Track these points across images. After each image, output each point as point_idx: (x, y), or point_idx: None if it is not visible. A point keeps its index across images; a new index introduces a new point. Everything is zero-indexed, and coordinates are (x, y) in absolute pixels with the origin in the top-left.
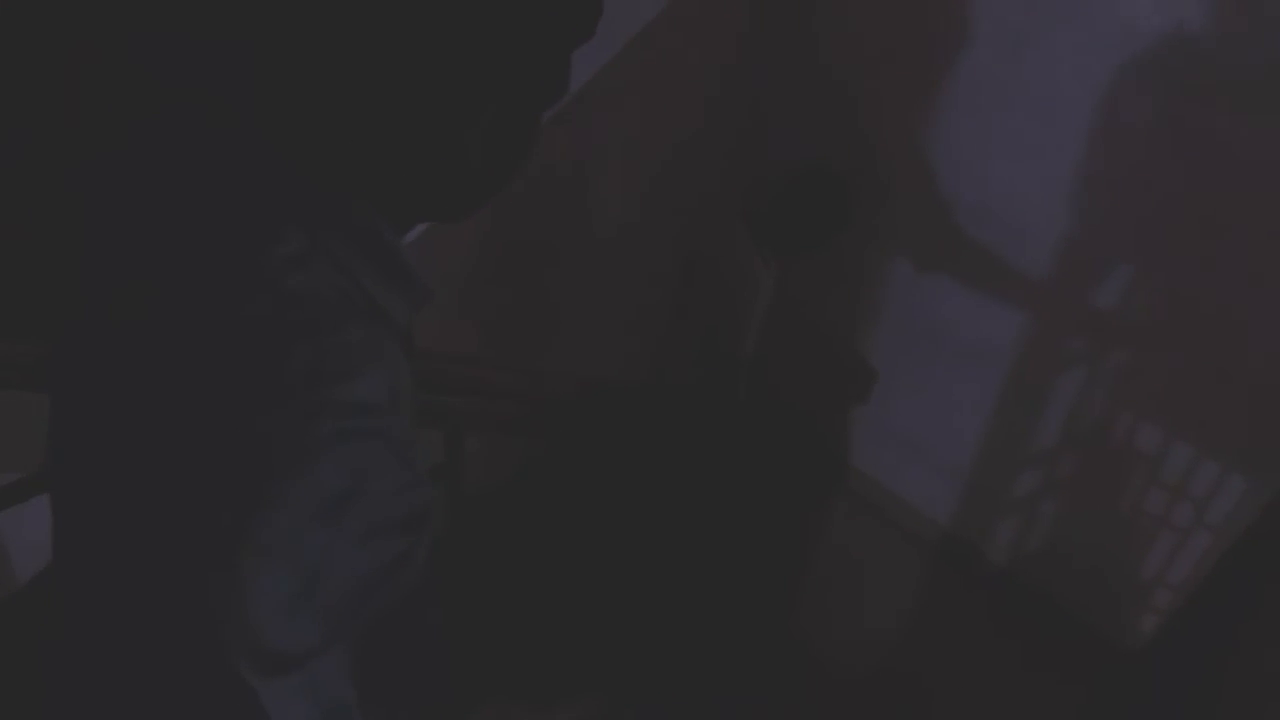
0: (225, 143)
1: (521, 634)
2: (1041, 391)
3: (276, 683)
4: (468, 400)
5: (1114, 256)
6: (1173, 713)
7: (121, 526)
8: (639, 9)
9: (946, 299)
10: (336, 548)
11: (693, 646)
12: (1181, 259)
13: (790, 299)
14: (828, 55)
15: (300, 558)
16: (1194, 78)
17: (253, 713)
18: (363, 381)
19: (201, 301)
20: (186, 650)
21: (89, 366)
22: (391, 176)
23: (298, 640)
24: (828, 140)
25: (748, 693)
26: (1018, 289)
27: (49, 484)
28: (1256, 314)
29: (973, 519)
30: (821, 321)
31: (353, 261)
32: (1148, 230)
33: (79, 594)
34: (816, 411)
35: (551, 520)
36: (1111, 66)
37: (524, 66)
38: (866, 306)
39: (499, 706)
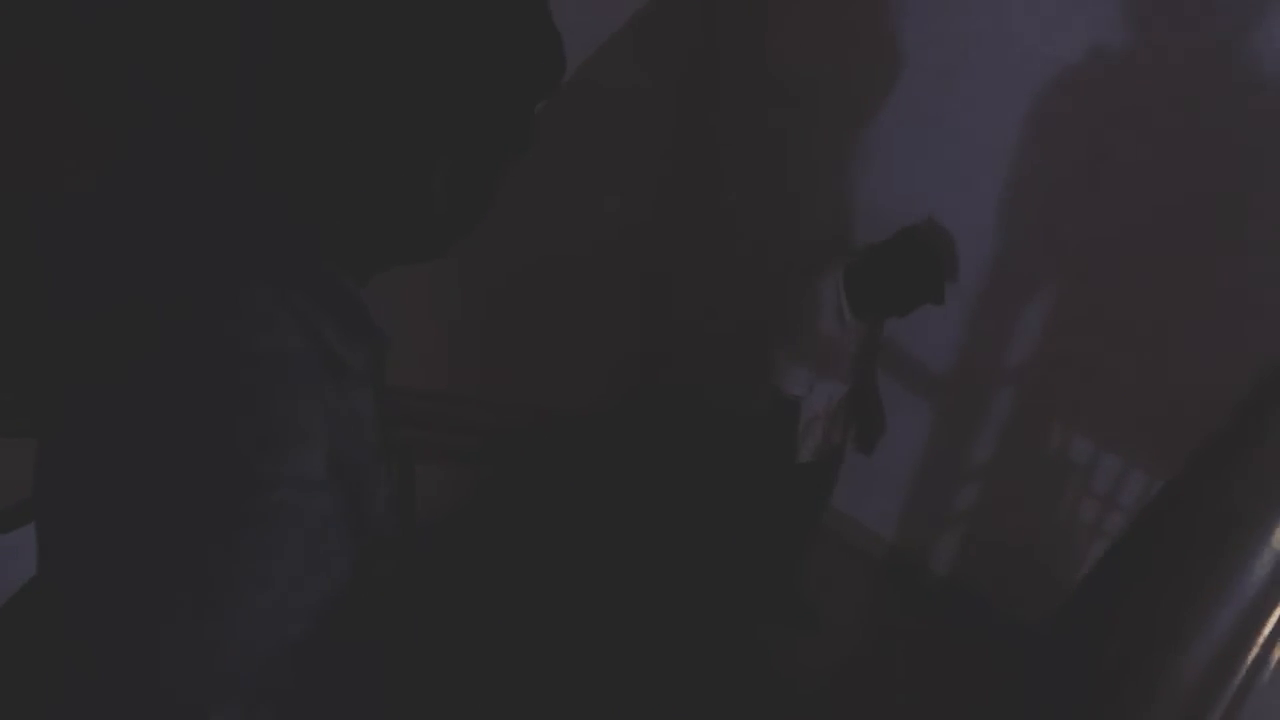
0: (202, 188)
1: (483, 659)
2: (977, 408)
3: None
4: (421, 433)
5: (1040, 275)
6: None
7: (83, 549)
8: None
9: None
10: (238, 619)
11: (657, 666)
12: (1104, 276)
13: (727, 316)
14: (772, 69)
15: (201, 621)
16: (1110, 106)
17: None
18: (299, 456)
19: (166, 352)
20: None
21: (64, 399)
22: (358, 221)
23: (195, 692)
24: (768, 169)
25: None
26: (952, 309)
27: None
28: (1179, 329)
29: (915, 532)
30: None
31: (316, 316)
32: (1071, 249)
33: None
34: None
35: (508, 545)
36: (1033, 95)
37: (486, 118)
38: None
39: None
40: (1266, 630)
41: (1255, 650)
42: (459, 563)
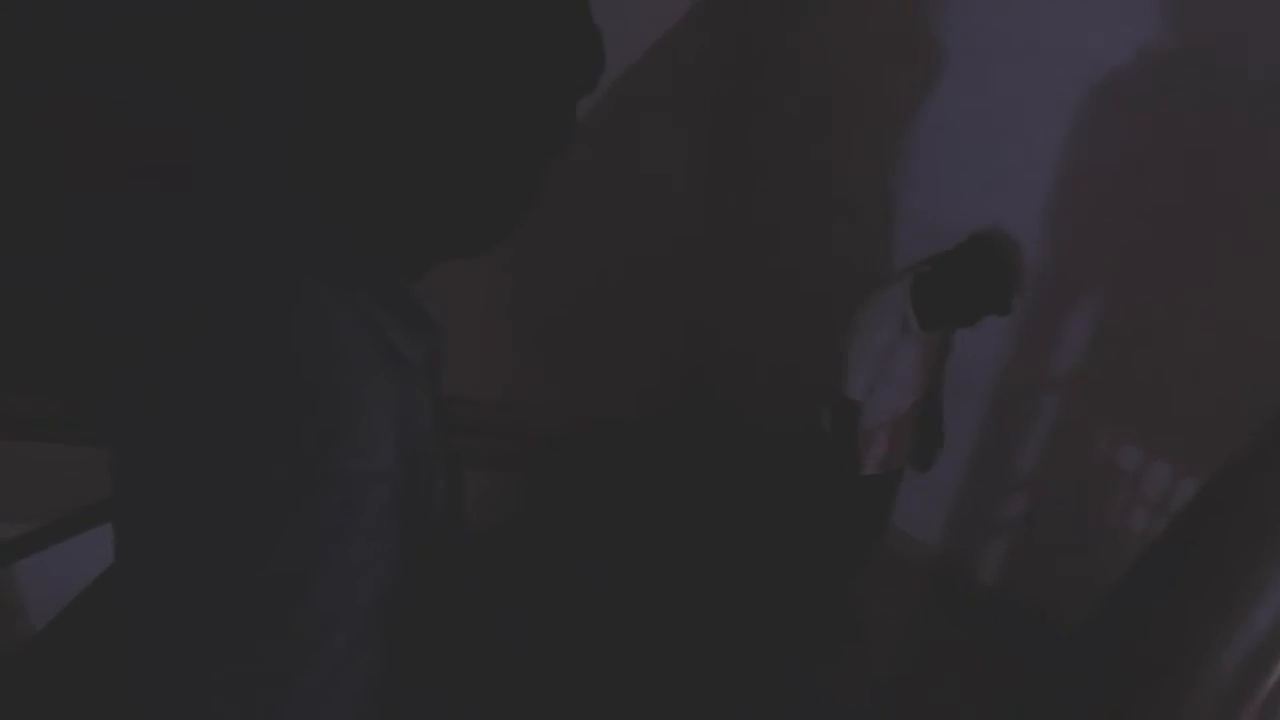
0: (261, 194)
1: (533, 675)
2: (1024, 413)
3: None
4: (467, 440)
5: (1084, 280)
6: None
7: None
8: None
9: None
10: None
11: (704, 673)
12: (1148, 280)
13: (780, 326)
14: (808, 80)
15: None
16: (1150, 105)
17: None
18: (371, 449)
19: (227, 351)
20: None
21: (136, 404)
22: (407, 218)
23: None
24: (809, 161)
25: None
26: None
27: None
28: (1226, 333)
29: (962, 540)
30: (804, 351)
31: (375, 311)
32: (1115, 253)
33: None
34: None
35: (557, 557)
36: (1070, 95)
37: (529, 114)
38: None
39: None
40: None
41: None
42: (508, 571)
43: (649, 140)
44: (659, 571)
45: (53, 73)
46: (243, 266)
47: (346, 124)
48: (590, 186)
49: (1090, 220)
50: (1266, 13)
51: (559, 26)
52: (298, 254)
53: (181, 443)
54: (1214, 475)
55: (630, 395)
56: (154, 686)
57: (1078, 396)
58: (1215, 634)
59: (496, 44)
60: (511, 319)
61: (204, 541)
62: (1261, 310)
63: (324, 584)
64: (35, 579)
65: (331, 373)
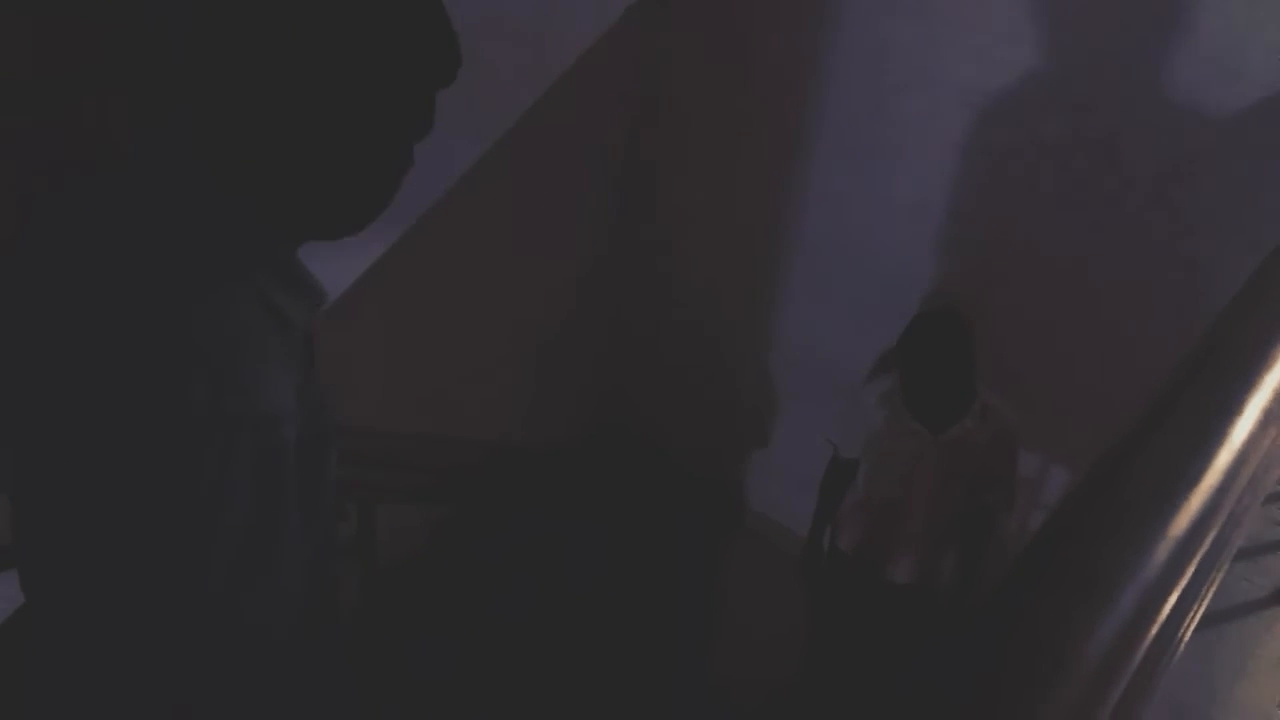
0: (158, 167)
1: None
2: None
3: None
4: (379, 473)
5: (975, 296)
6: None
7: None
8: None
9: (835, 342)
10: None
11: (610, 694)
12: (1029, 294)
13: (687, 351)
14: (720, 90)
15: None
16: (1016, 136)
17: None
18: (265, 396)
19: (124, 316)
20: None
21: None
22: (287, 195)
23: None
24: (716, 181)
25: None
26: (891, 328)
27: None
28: (1105, 345)
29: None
30: (716, 368)
31: (259, 275)
32: (999, 269)
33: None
34: (718, 459)
35: (469, 585)
36: (952, 126)
37: (389, 106)
38: (762, 352)
39: None
40: (1166, 611)
41: (1156, 629)
42: (420, 604)
43: (557, 164)
44: (566, 603)
45: None
46: (138, 240)
47: (227, 114)
48: (500, 216)
49: (973, 244)
50: (1128, 34)
51: (422, 32)
52: (191, 227)
53: (80, 405)
54: (1084, 472)
55: (544, 426)
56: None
57: None
58: (1083, 616)
59: (360, 46)
60: (423, 349)
61: (110, 486)
62: (1138, 313)
63: (231, 521)
64: None
65: (222, 330)
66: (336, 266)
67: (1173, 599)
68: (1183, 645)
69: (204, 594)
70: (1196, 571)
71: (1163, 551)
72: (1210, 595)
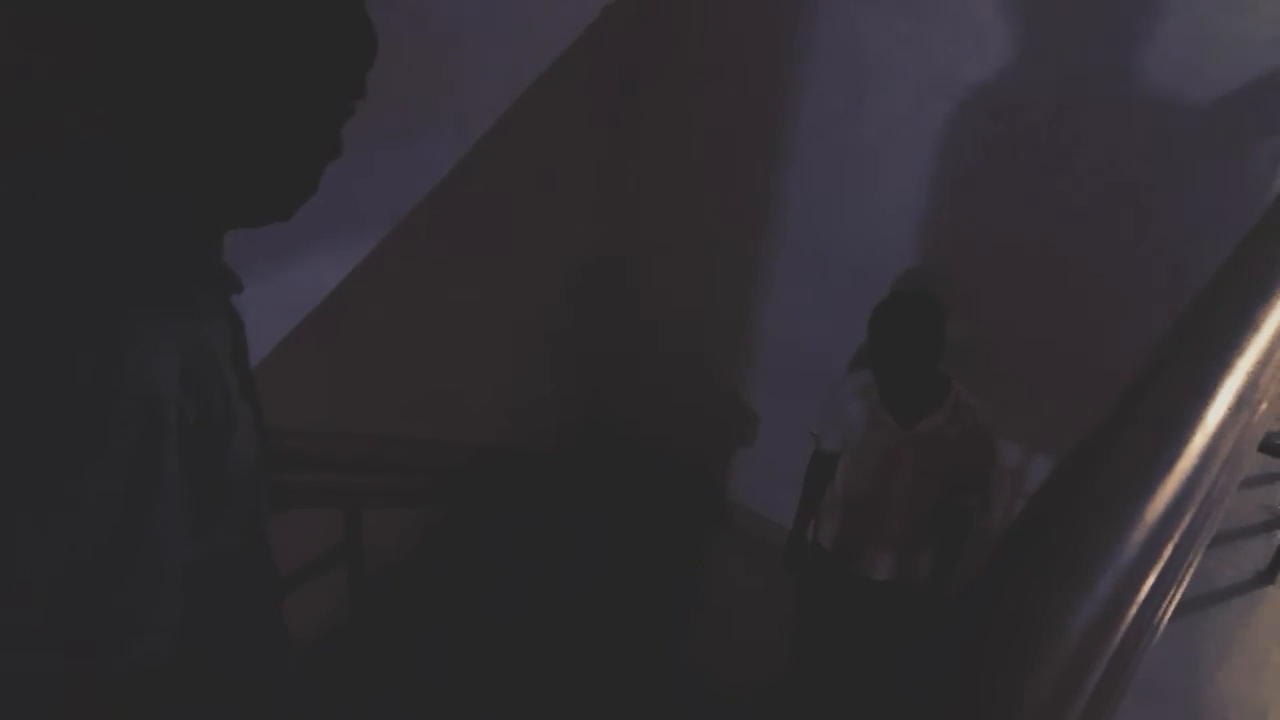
0: (78, 150)
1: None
2: None
3: None
4: (365, 478)
5: (953, 290)
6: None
7: None
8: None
9: (815, 336)
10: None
11: (595, 693)
12: (1003, 288)
13: (668, 349)
14: (697, 89)
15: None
16: (994, 131)
17: None
18: (154, 371)
19: (25, 289)
20: None
21: None
22: (204, 186)
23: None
24: (694, 179)
25: None
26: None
27: None
28: (1082, 336)
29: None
30: (699, 365)
31: (164, 252)
32: (976, 263)
33: None
34: (700, 455)
35: (457, 589)
36: (930, 122)
37: (312, 100)
38: (743, 348)
39: None
40: (1143, 595)
41: (1134, 613)
42: (409, 609)
43: (538, 165)
44: (556, 603)
45: None
46: (39, 220)
47: (160, 107)
48: (484, 218)
49: (946, 238)
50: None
51: (340, 26)
52: (95, 210)
53: None
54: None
55: (531, 427)
56: None
57: None
58: (1061, 602)
59: (285, 41)
60: (406, 352)
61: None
62: (1113, 305)
63: (102, 490)
64: None
65: (113, 308)
66: (319, 269)
67: (1149, 583)
68: (1161, 629)
69: (65, 564)
70: (1172, 556)
71: (1139, 536)
72: (1187, 580)
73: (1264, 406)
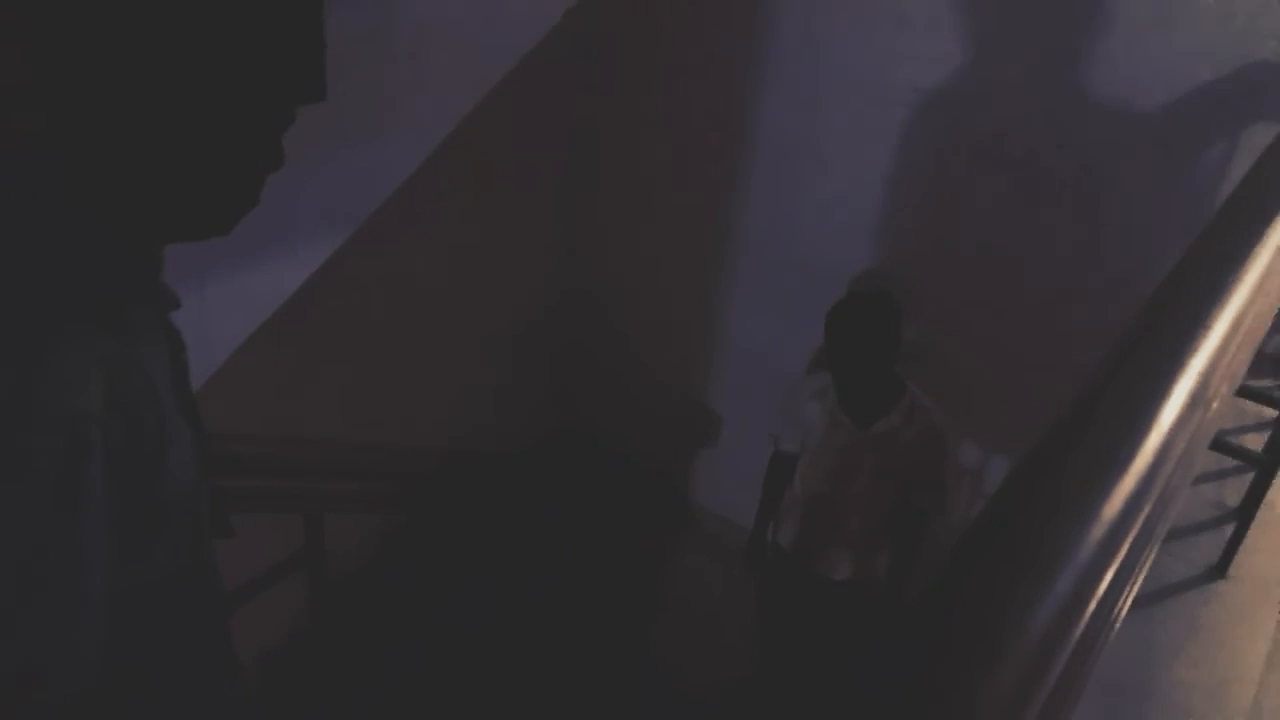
0: (10, 163)
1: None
2: None
3: None
4: (326, 483)
5: (911, 292)
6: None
7: None
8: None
9: (775, 340)
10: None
11: (562, 694)
12: (959, 290)
13: (632, 353)
14: (658, 93)
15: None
16: (949, 135)
17: None
18: (75, 388)
19: None
20: None
21: None
22: (140, 195)
23: None
24: (656, 183)
25: None
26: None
27: None
28: (1032, 339)
29: None
30: (662, 369)
31: (92, 271)
32: (933, 265)
33: None
34: (664, 458)
35: (421, 594)
36: (885, 127)
37: (251, 115)
38: (705, 352)
39: None
40: (1101, 591)
41: (1092, 608)
42: (372, 614)
43: (500, 170)
44: (522, 606)
45: None
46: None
47: (98, 123)
48: (444, 223)
49: (902, 242)
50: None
51: (284, 43)
52: (19, 220)
53: None
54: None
55: (496, 431)
56: None
57: None
58: (1020, 599)
59: (225, 52)
60: (371, 356)
61: None
62: (1067, 307)
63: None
64: None
65: (33, 322)
66: (280, 273)
67: (1108, 579)
68: (1119, 624)
69: None
70: (1129, 552)
71: (1097, 533)
72: (1144, 574)
73: (1216, 405)
